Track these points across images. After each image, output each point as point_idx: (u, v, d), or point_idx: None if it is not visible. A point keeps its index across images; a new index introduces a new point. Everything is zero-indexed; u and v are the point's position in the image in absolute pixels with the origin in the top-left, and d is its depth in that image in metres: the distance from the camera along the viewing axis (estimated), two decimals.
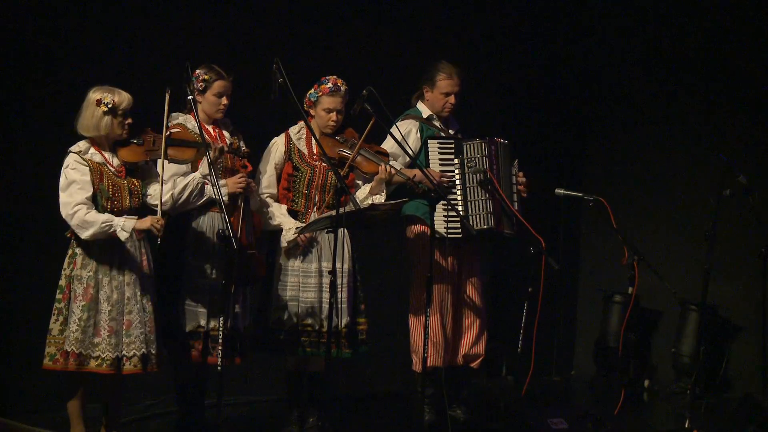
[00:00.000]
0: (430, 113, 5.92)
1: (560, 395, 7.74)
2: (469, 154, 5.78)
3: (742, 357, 7.41)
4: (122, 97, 4.87)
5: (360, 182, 5.55)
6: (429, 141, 5.78)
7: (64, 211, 4.79)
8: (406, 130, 5.83)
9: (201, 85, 5.22)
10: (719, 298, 7.29)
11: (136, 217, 4.86)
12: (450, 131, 5.98)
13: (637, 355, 7.58)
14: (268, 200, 5.44)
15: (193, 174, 5.11)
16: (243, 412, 6.25)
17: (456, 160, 5.78)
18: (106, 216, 4.79)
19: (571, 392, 7.97)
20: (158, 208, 4.86)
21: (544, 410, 5.72)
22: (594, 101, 8.46)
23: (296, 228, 5.35)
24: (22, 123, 5.87)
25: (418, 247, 5.84)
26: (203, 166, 5.07)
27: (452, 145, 5.80)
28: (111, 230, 4.78)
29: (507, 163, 5.89)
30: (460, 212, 5.67)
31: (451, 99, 5.86)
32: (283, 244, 5.38)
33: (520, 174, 5.92)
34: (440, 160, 5.76)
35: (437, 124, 5.93)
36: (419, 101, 5.96)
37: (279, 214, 5.42)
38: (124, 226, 4.79)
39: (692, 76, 7.85)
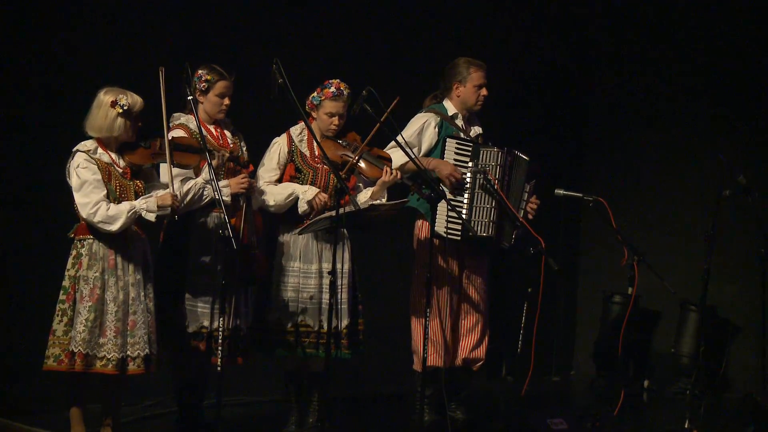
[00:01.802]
0: (456, 111, 5.93)
1: (560, 395, 7.75)
2: (484, 160, 5.78)
3: (741, 357, 7.42)
4: (135, 100, 4.88)
5: (361, 185, 5.55)
6: (448, 139, 5.79)
7: (84, 212, 4.79)
8: (425, 121, 5.85)
9: (203, 86, 5.21)
10: (719, 298, 7.30)
11: (153, 194, 4.87)
12: (472, 131, 5.98)
13: (636, 355, 7.59)
14: (269, 186, 5.41)
15: (196, 180, 5.11)
16: (242, 412, 6.25)
17: (470, 164, 5.78)
18: (128, 205, 4.81)
19: (571, 392, 7.98)
20: (170, 185, 4.85)
21: (543, 410, 5.72)
22: (594, 101, 8.47)
23: (298, 229, 5.36)
24: (22, 122, 5.86)
25: (421, 245, 5.84)
26: (205, 172, 5.06)
27: (470, 148, 5.80)
28: (137, 216, 4.82)
29: (521, 178, 5.88)
30: (463, 215, 5.68)
31: (484, 91, 5.89)
32: (303, 206, 5.34)
33: (534, 197, 5.91)
34: (455, 160, 5.76)
35: (459, 124, 5.93)
36: (446, 98, 5.96)
37: (287, 186, 5.39)
38: (148, 207, 4.81)
39: (692, 76, 7.86)
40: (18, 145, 5.86)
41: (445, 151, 5.77)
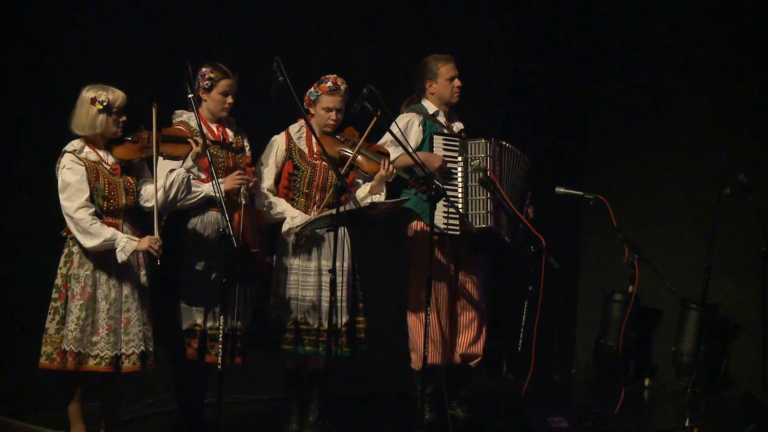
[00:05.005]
0: (436, 109, 5.93)
1: (560, 394, 7.75)
2: (473, 152, 5.79)
3: (742, 355, 7.41)
4: (116, 95, 4.87)
5: (360, 181, 5.56)
6: (435, 136, 5.79)
7: (66, 213, 4.79)
8: (408, 121, 5.84)
9: (207, 84, 5.21)
10: (719, 296, 7.30)
11: (138, 239, 4.86)
12: (454, 127, 5.99)
13: (637, 353, 7.59)
14: (268, 194, 5.44)
15: (178, 170, 5.06)
16: (243, 410, 6.25)
17: (459, 158, 5.79)
18: (110, 232, 4.78)
19: (572, 391, 7.98)
20: (155, 227, 4.84)
21: (544, 409, 5.72)
22: (595, 100, 8.46)
23: (295, 226, 5.35)
24: (18, 122, 5.86)
25: (418, 244, 5.84)
26: (187, 161, 5.05)
27: (457, 143, 5.81)
28: (112, 248, 4.80)
29: (515, 169, 5.87)
30: (460, 209, 5.68)
31: (457, 82, 5.90)
32: (285, 228, 5.36)
33: (531, 207, 5.93)
34: (444, 156, 5.78)
35: (442, 120, 5.94)
36: (423, 98, 5.96)
37: (281, 203, 5.42)
38: (124, 248, 4.79)
39: (693, 75, 7.85)
40: (12, 143, 5.85)
41: (434, 148, 5.79)
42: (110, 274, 4.86)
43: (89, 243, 4.78)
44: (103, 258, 4.85)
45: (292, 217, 5.37)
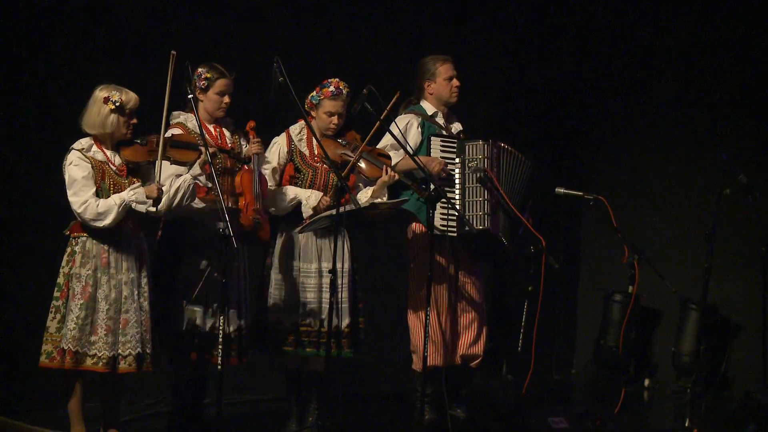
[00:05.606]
0: (435, 110, 5.93)
1: (560, 394, 7.74)
2: (470, 154, 5.79)
3: (742, 356, 7.41)
4: (129, 96, 4.89)
5: (361, 185, 5.55)
6: (432, 138, 5.80)
7: (74, 209, 4.82)
8: (407, 122, 5.85)
9: (203, 84, 5.21)
10: (719, 296, 7.29)
11: (140, 182, 4.87)
12: (453, 128, 5.99)
13: (637, 354, 7.58)
14: (272, 186, 5.42)
15: (184, 176, 5.06)
16: (243, 411, 6.25)
17: (457, 160, 5.79)
18: (117, 198, 4.82)
19: (572, 391, 7.97)
20: (157, 176, 4.84)
21: (544, 409, 5.72)
22: (594, 100, 8.46)
23: (298, 228, 5.35)
24: (21, 121, 5.87)
25: (417, 245, 5.84)
26: (194, 168, 5.05)
27: (454, 144, 5.81)
28: (128, 208, 4.83)
29: (514, 171, 5.87)
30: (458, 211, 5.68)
31: (455, 82, 5.90)
32: (308, 212, 5.34)
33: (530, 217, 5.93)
34: (441, 158, 5.78)
35: (440, 122, 5.94)
36: (422, 99, 5.96)
37: (290, 189, 5.40)
38: (137, 198, 4.82)
39: (693, 75, 7.85)
40: (17, 142, 5.86)
41: (431, 150, 5.79)
42: (111, 275, 4.87)
43: (107, 221, 4.80)
44: (104, 258, 4.85)
45: (306, 198, 5.36)
